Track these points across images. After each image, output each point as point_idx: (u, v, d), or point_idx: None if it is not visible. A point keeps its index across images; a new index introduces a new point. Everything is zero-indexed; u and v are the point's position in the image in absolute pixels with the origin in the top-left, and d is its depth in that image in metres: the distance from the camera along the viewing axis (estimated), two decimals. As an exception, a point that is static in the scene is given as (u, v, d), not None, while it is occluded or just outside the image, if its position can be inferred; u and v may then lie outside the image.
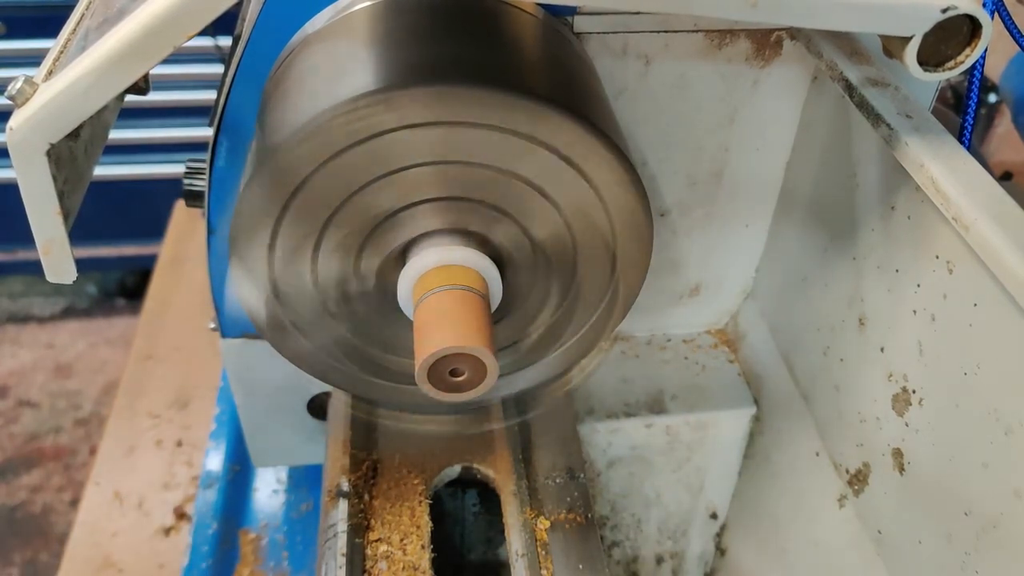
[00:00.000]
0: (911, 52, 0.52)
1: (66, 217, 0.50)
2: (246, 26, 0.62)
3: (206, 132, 0.66)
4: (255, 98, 0.60)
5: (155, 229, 1.62)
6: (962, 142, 0.57)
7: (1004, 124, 1.56)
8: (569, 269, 0.58)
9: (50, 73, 0.49)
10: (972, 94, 0.62)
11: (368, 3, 0.58)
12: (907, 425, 0.62)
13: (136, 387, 1.23)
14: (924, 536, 0.61)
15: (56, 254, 0.51)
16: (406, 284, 0.55)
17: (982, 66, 0.59)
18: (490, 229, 0.55)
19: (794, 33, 0.69)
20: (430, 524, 0.66)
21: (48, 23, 0.94)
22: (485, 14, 0.59)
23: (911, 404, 0.62)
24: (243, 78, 0.62)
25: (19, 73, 0.48)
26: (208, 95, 1.73)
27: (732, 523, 0.94)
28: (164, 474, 1.11)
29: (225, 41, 1.54)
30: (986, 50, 0.52)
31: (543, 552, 0.64)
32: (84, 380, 1.97)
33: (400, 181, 0.52)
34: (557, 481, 0.69)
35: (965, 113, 0.61)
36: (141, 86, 0.59)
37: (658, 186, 0.77)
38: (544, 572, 0.63)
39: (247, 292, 0.56)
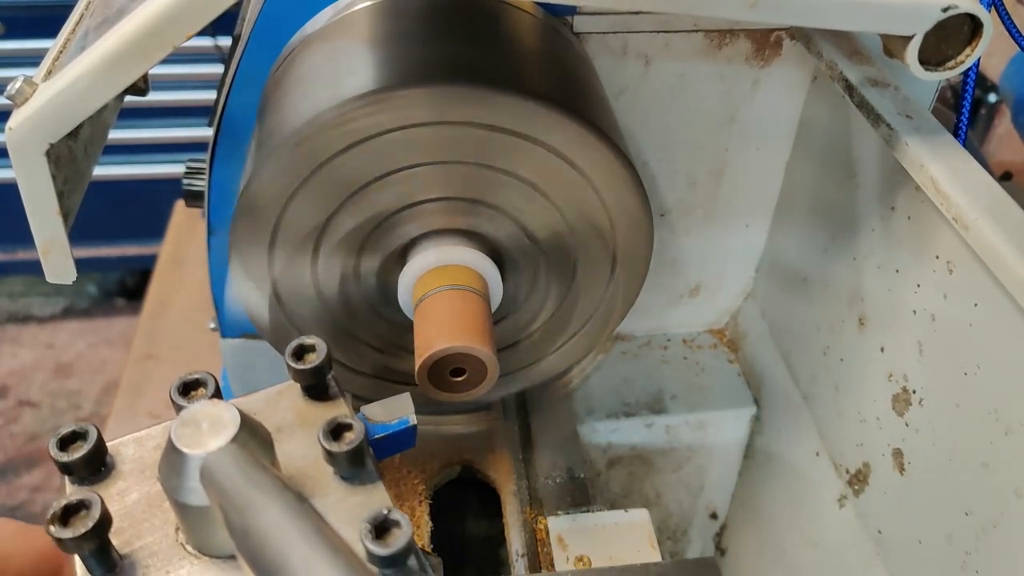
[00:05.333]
0: (912, 51, 0.52)
1: (66, 217, 0.50)
2: (246, 26, 0.62)
3: (206, 132, 0.66)
4: (255, 98, 0.60)
5: (155, 229, 1.62)
6: (957, 140, 0.57)
7: (1004, 124, 1.56)
8: (569, 269, 0.58)
9: (49, 73, 0.49)
10: (967, 92, 0.62)
11: (368, 3, 0.58)
12: (907, 425, 0.62)
13: (136, 387, 1.23)
14: (924, 536, 0.61)
15: (56, 254, 0.51)
16: (406, 284, 0.55)
17: (977, 64, 0.59)
18: (490, 229, 0.56)
19: (794, 33, 0.69)
20: (430, 524, 0.66)
21: (48, 23, 0.94)
22: (485, 14, 0.59)
23: (911, 404, 0.62)
24: (243, 78, 0.62)
25: (19, 73, 0.48)
26: (208, 95, 1.73)
27: (732, 523, 0.94)
28: (164, 474, 1.11)
29: (225, 41, 1.54)
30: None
31: (543, 552, 0.64)
32: (84, 380, 1.97)
33: (400, 181, 0.52)
34: (557, 481, 0.69)
35: (960, 111, 0.61)
36: (141, 86, 0.59)
37: (658, 186, 0.77)
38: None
39: (247, 292, 0.56)
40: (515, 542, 0.64)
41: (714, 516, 0.94)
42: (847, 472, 0.71)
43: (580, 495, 0.68)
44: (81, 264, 0.52)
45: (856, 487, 0.70)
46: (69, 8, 0.57)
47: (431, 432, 0.72)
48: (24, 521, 0.41)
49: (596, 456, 0.84)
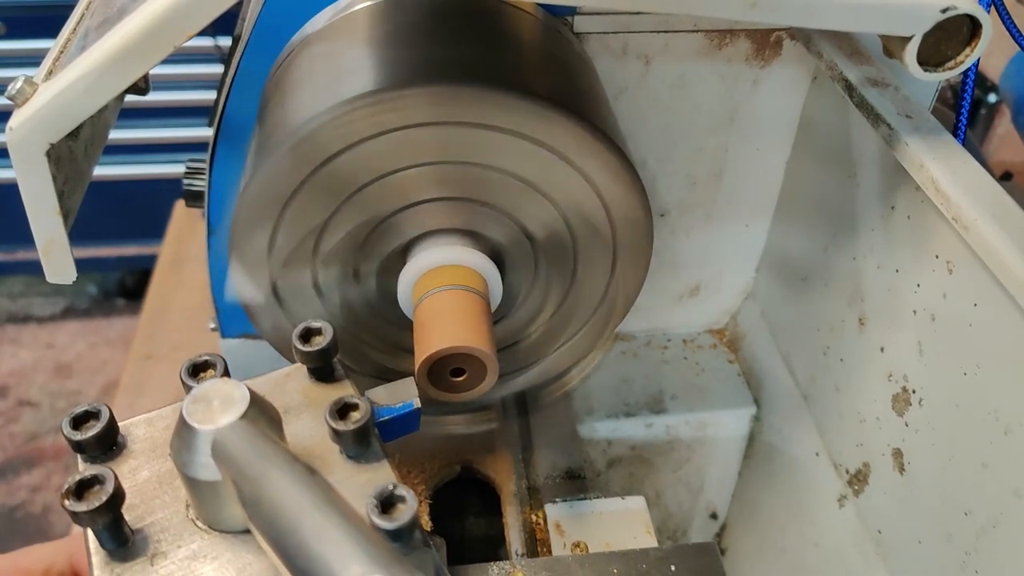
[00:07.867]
0: (911, 52, 0.52)
1: (66, 217, 0.50)
2: (246, 26, 0.62)
3: (206, 132, 0.66)
4: (255, 98, 0.60)
5: (155, 229, 1.62)
6: (957, 140, 0.57)
7: (1004, 124, 1.56)
8: (569, 269, 0.58)
9: (50, 73, 0.49)
10: (967, 92, 0.62)
11: (368, 3, 0.58)
12: (907, 425, 0.62)
13: (136, 387, 1.23)
14: (924, 536, 0.61)
15: (56, 254, 0.51)
16: (406, 284, 0.55)
17: (977, 65, 0.59)
18: (490, 229, 0.55)
19: (794, 33, 0.69)
20: (430, 524, 0.66)
21: (48, 23, 0.94)
22: (485, 14, 0.59)
23: (911, 404, 0.62)
24: (243, 78, 0.62)
25: (19, 73, 0.48)
26: (208, 95, 1.73)
27: (732, 523, 0.94)
28: (164, 474, 1.11)
29: (225, 41, 1.54)
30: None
31: (543, 552, 0.64)
32: (84, 380, 1.97)
33: (400, 181, 0.52)
34: (557, 481, 0.69)
35: (959, 111, 0.61)
36: (141, 86, 0.59)
37: (658, 186, 0.77)
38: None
39: (247, 292, 0.56)
40: (515, 542, 0.64)
41: (714, 516, 0.94)
42: (847, 472, 0.71)
43: (579, 495, 0.68)
44: (81, 264, 0.53)
45: (856, 487, 0.70)
46: (69, 8, 0.57)
47: (431, 432, 0.72)
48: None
49: (596, 456, 0.84)
